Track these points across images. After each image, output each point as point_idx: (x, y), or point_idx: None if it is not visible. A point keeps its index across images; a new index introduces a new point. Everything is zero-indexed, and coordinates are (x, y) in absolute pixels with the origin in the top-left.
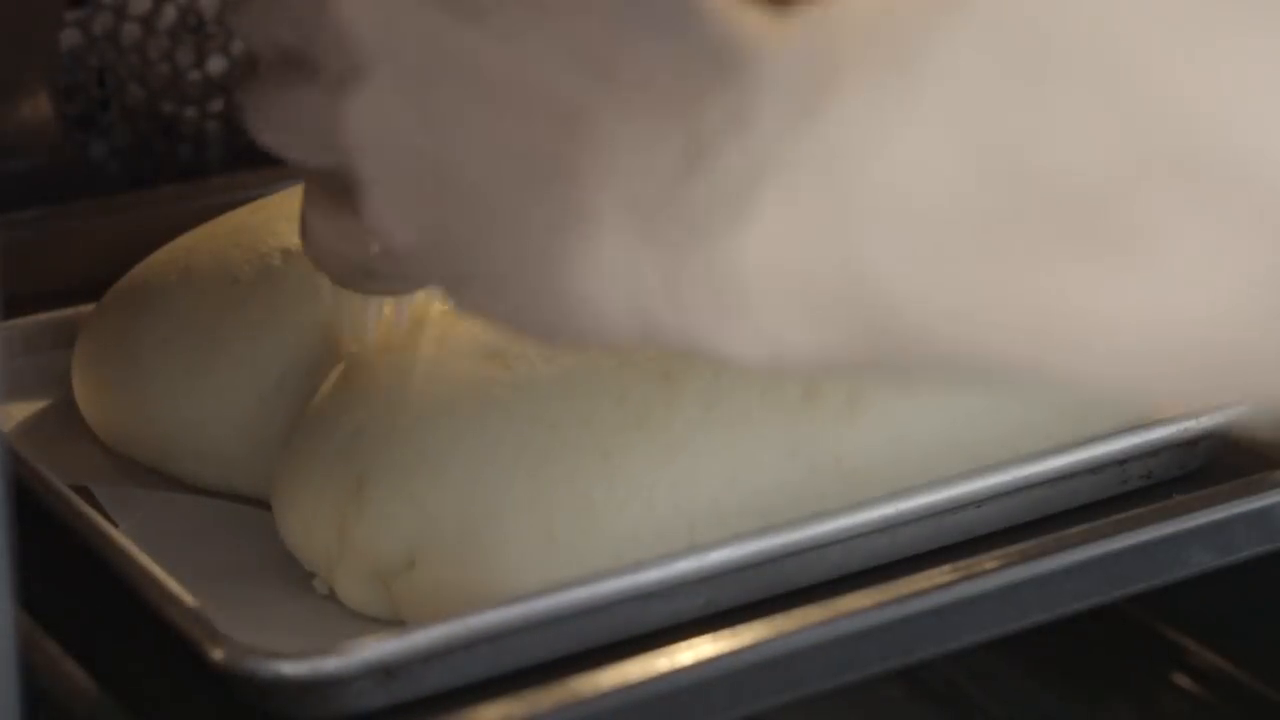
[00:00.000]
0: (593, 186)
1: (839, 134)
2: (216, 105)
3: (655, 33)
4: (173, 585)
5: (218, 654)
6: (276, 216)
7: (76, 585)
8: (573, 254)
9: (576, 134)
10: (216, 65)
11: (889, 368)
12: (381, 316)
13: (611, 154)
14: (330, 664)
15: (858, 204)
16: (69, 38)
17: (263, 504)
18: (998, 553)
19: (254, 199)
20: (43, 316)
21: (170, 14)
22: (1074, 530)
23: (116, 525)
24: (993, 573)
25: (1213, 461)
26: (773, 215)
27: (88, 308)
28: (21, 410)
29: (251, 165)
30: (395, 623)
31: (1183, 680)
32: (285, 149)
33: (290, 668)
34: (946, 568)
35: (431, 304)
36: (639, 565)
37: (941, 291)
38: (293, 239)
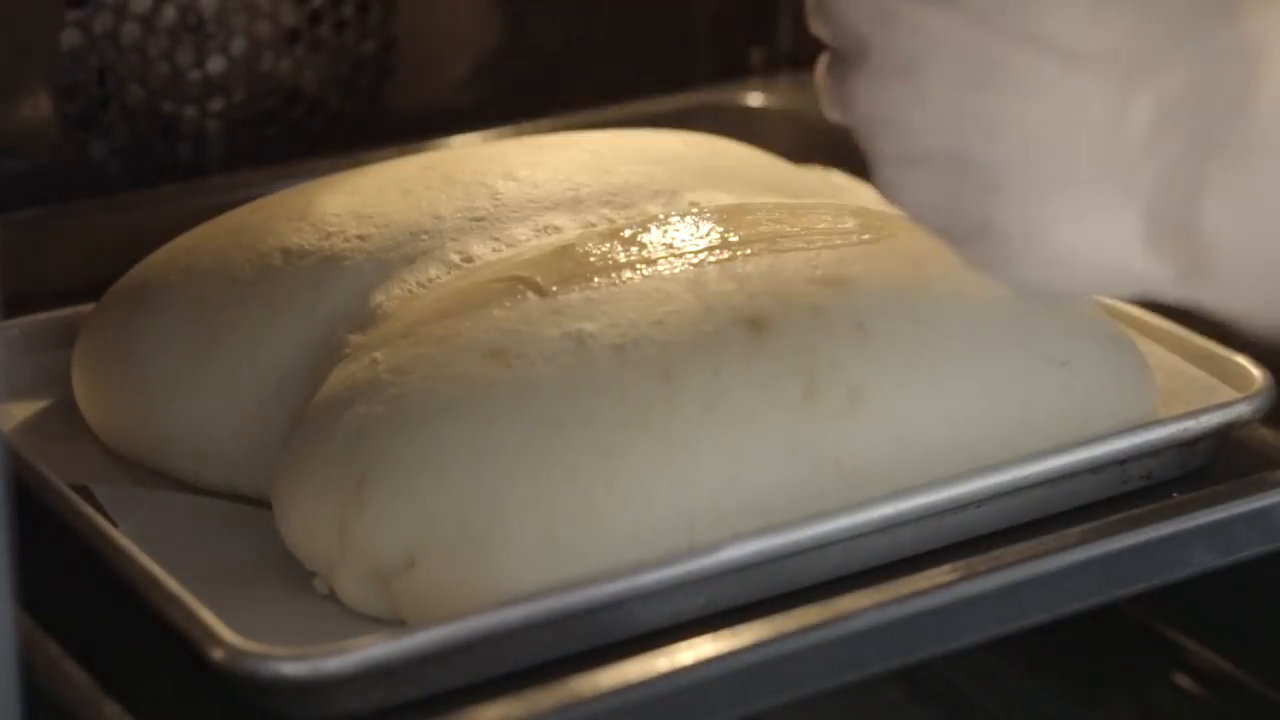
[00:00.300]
0: (1074, 152)
1: None
2: (216, 105)
3: (1120, 8)
4: (173, 585)
5: (218, 654)
6: (276, 216)
7: (76, 585)
8: (1061, 213)
9: (1055, 104)
10: (216, 65)
11: None
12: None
13: (1087, 122)
14: (331, 664)
15: None
16: (69, 38)
17: (263, 504)
18: (998, 553)
19: (254, 199)
20: (43, 316)
21: (170, 14)
22: (1074, 530)
23: (116, 525)
24: (993, 573)
25: (1213, 461)
26: (1226, 180)
27: (88, 308)
28: (22, 410)
29: (251, 165)
30: (395, 623)
31: (1183, 680)
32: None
33: (290, 668)
34: (946, 568)
35: (431, 305)
36: (639, 566)
37: None
38: (292, 238)
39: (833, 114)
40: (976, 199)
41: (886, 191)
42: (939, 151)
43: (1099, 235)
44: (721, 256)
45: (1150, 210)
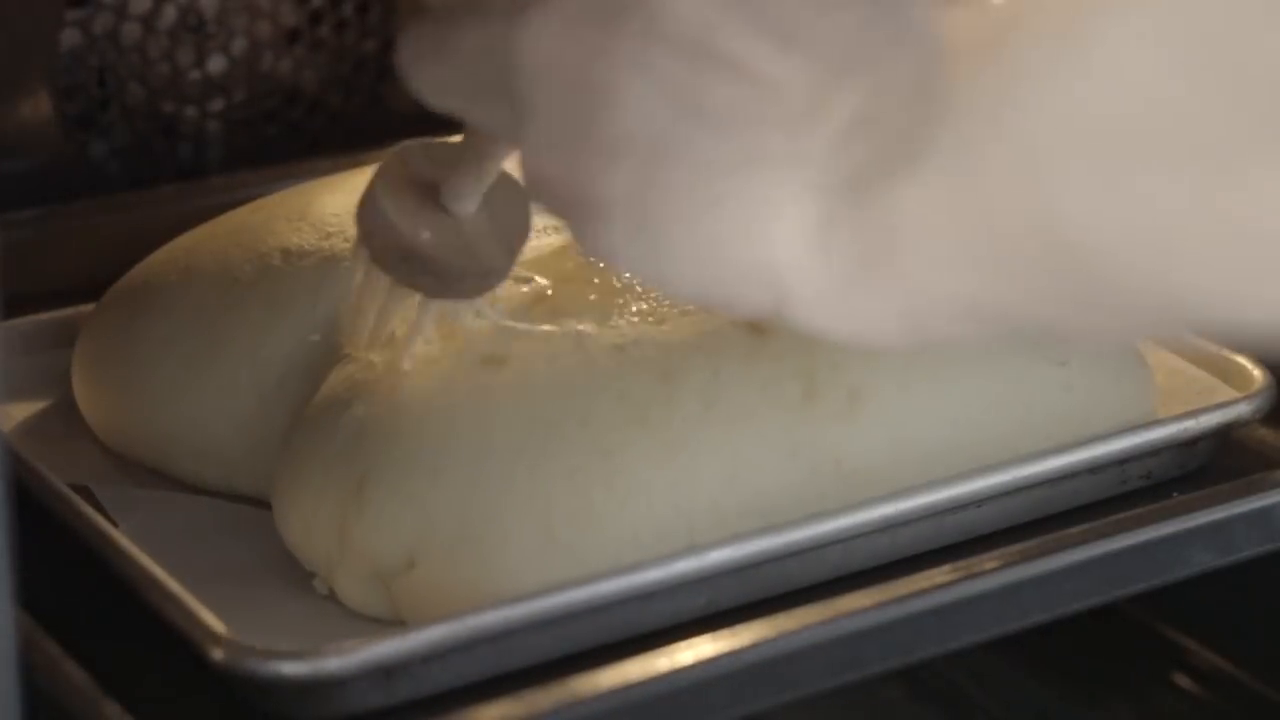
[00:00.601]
0: (755, 134)
1: (1019, 80)
2: (216, 105)
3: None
4: (173, 585)
5: (218, 654)
6: (276, 216)
7: (76, 585)
8: (722, 199)
9: (745, 83)
10: (216, 65)
11: (1066, 320)
12: (373, 325)
13: (778, 106)
14: (331, 664)
15: (1041, 145)
16: (69, 38)
17: (263, 504)
18: (998, 553)
19: (254, 199)
20: (43, 316)
21: (170, 14)
22: (1074, 530)
23: (116, 525)
24: (993, 573)
25: (1213, 461)
26: (944, 169)
27: (88, 308)
28: (22, 410)
29: (251, 165)
30: (395, 623)
31: (1183, 680)
32: (439, 90)
33: (290, 668)
34: (946, 568)
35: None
36: (639, 565)
37: (1133, 222)
38: (292, 238)
39: (428, 74)
40: (634, 167)
41: (529, 152)
42: (601, 115)
43: (755, 223)
44: None
45: (837, 199)
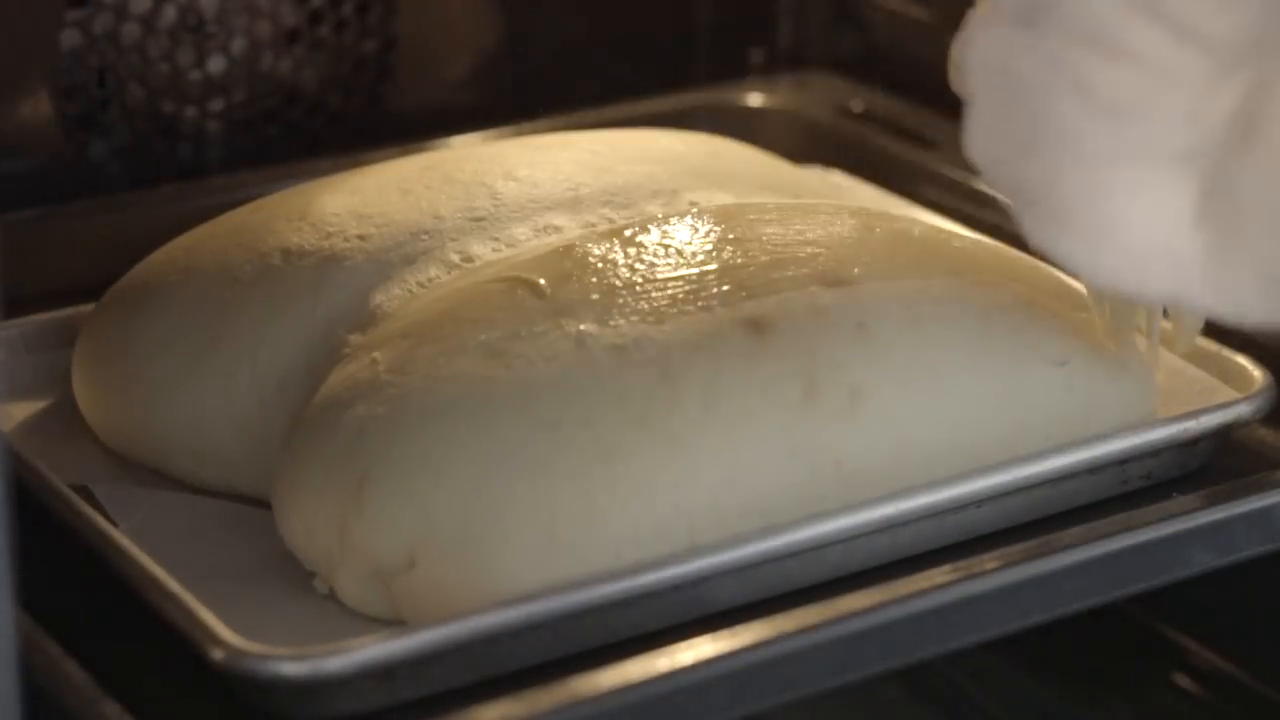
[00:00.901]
0: (1152, 124)
1: None
2: (216, 105)
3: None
4: (173, 585)
5: (218, 654)
6: (276, 216)
7: (76, 585)
8: (1123, 186)
9: (1147, 75)
10: (216, 65)
11: None
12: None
13: (1175, 96)
14: (331, 664)
15: None
16: (69, 38)
17: (263, 504)
18: (998, 553)
19: (254, 199)
20: (43, 316)
21: (170, 14)
22: (1074, 530)
23: (116, 525)
24: (993, 573)
25: (1213, 462)
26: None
27: (88, 308)
28: (22, 410)
29: (251, 165)
30: (395, 623)
31: (1183, 680)
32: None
33: (290, 668)
34: (946, 568)
35: (431, 305)
36: (639, 566)
37: None
38: (292, 238)
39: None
40: (1050, 158)
41: (968, 141)
42: (1030, 104)
43: (1153, 209)
44: (721, 257)
45: (1207, 184)
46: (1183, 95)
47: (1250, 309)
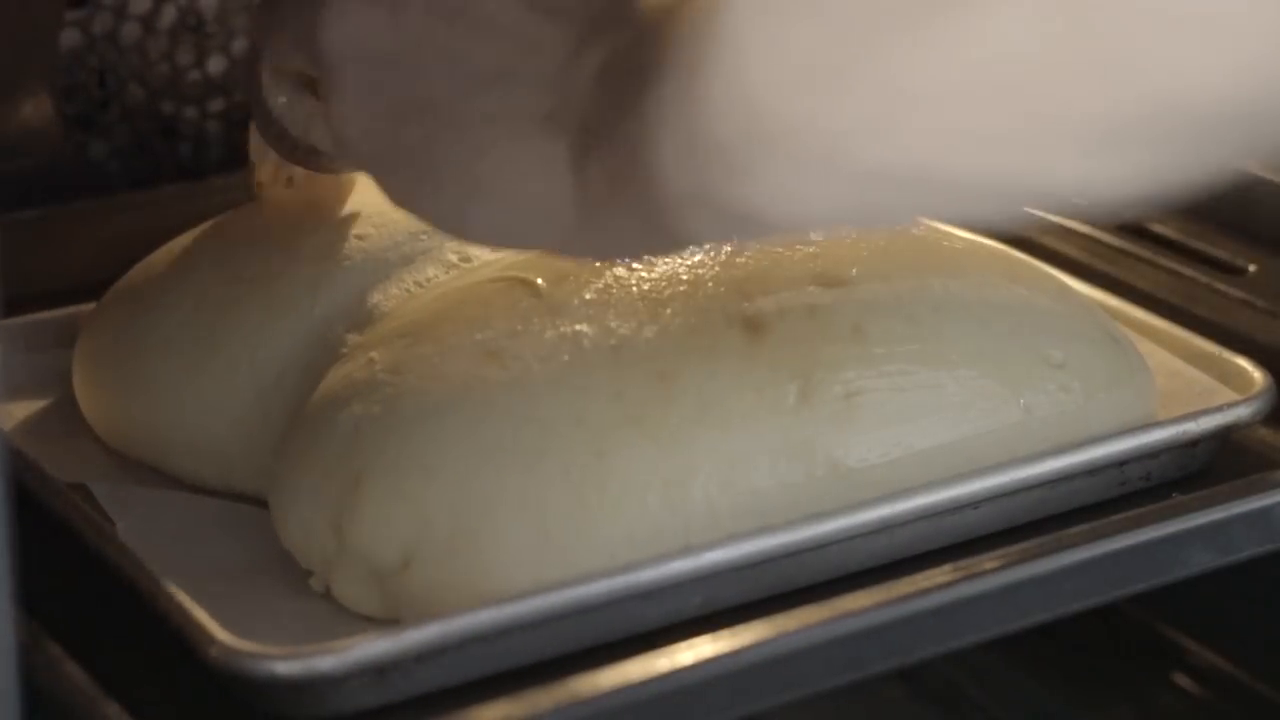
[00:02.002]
0: (516, 88)
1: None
2: (216, 105)
3: None
4: (168, 584)
5: (213, 653)
6: (276, 217)
7: (76, 585)
8: (499, 148)
9: (509, 44)
10: (216, 65)
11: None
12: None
13: (537, 61)
14: (325, 663)
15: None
16: (69, 38)
17: (260, 502)
18: (998, 553)
19: (253, 199)
20: (43, 316)
21: (170, 14)
22: (1074, 530)
23: (114, 524)
24: (993, 573)
25: (1212, 463)
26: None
27: (88, 307)
28: (22, 409)
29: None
30: (391, 621)
31: (1183, 680)
32: (273, 53)
33: (285, 667)
34: (946, 568)
35: (428, 305)
36: (633, 565)
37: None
38: (293, 238)
39: (264, 39)
40: (425, 125)
41: (332, 119)
42: (400, 77)
43: (527, 166)
44: (718, 258)
45: (585, 133)
46: (546, 60)
47: (629, 250)
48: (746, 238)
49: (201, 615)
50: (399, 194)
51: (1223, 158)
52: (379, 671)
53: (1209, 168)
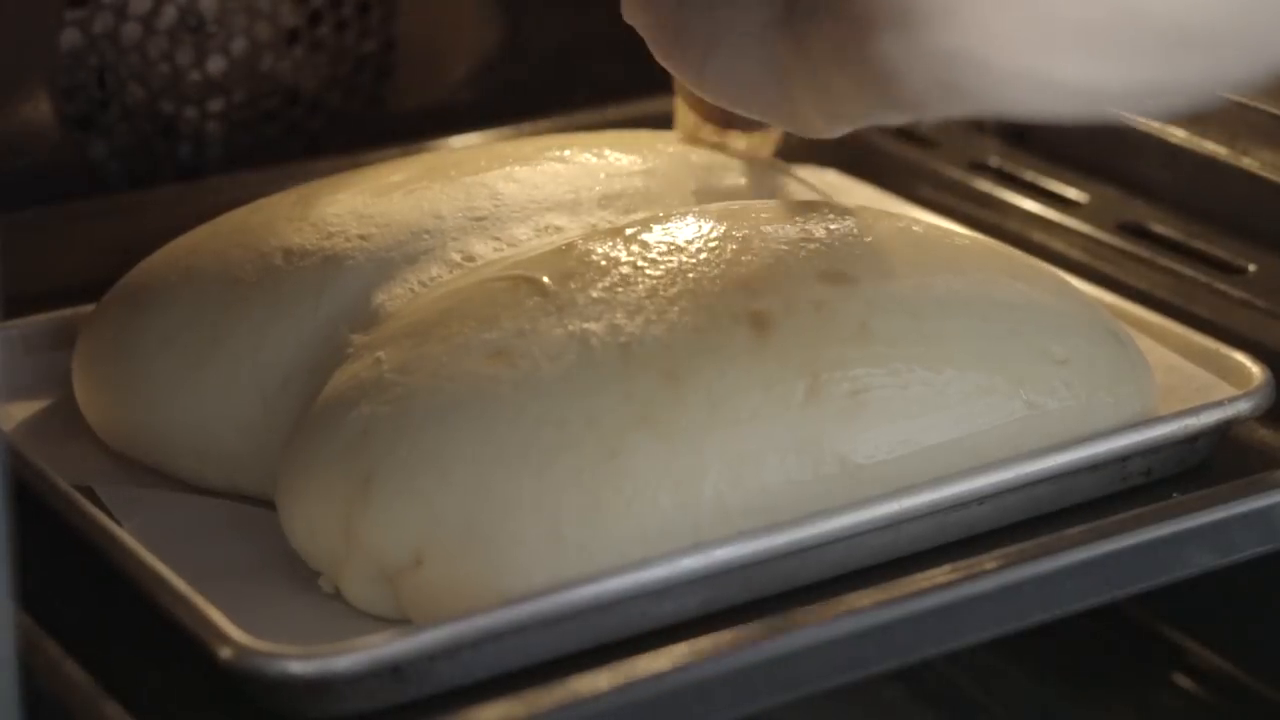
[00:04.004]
0: None
1: None
2: (216, 105)
3: None
4: (180, 585)
5: (226, 653)
6: (277, 216)
7: (77, 585)
8: (730, 12)
9: None
10: (216, 65)
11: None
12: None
13: None
14: (340, 662)
15: None
16: (69, 38)
17: (266, 503)
18: (998, 552)
19: (254, 199)
20: (43, 317)
21: (170, 14)
22: (1074, 530)
23: (120, 525)
24: (993, 573)
25: (1212, 458)
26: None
27: (88, 308)
28: (22, 410)
29: (251, 165)
30: (401, 622)
31: (1183, 680)
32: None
33: (299, 666)
34: (947, 567)
35: (434, 304)
36: (645, 563)
37: None
38: (294, 238)
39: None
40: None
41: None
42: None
43: (749, 25)
44: (724, 256)
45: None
46: None
47: (849, 115)
48: (958, 102)
49: (215, 615)
50: (662, 53)
51: (1217, 76)
52: (393, 671)
53: (1207, 84)
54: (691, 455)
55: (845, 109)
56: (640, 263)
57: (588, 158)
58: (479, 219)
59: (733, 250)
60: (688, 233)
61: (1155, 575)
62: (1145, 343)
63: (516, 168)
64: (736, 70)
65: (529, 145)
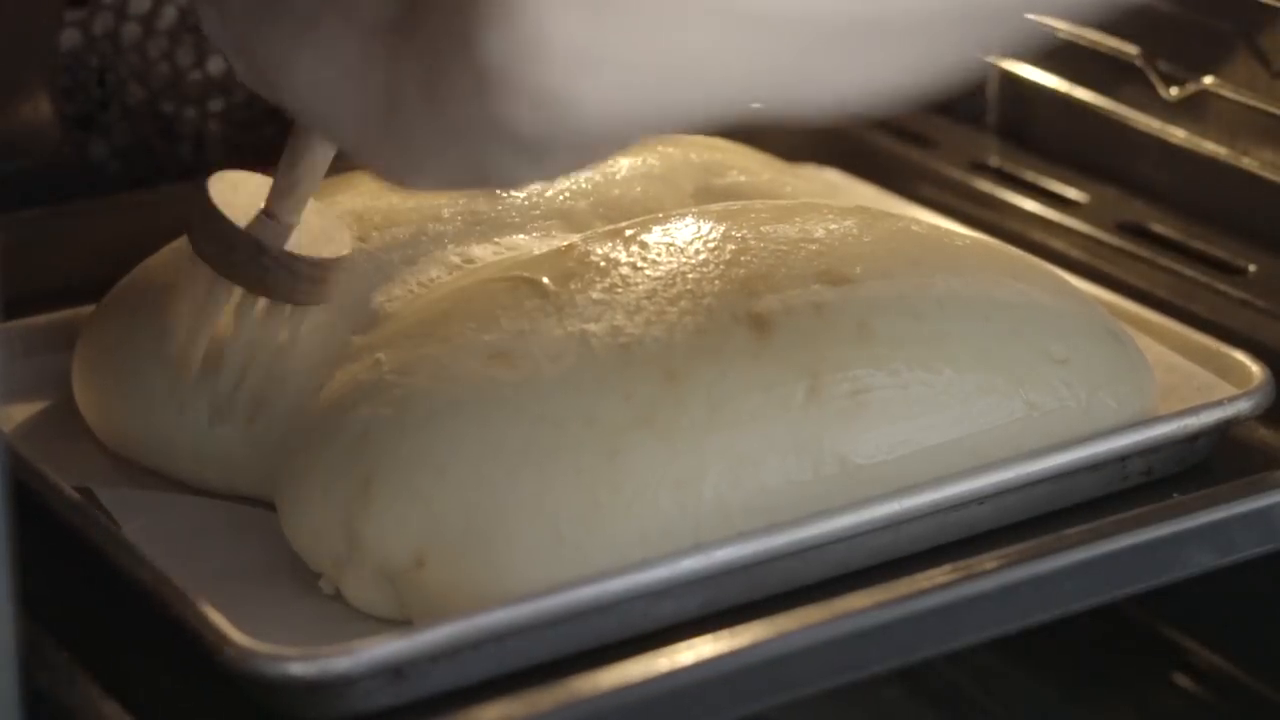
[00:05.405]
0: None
1: None
2: (216, 105)
3: None
4: (181, 586)
5: (227, 654)
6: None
7: (77, 585)
8: (321, 44)
9: None
10: (216, 65)
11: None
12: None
13: None
14: (340, 664)
15: None
16: (69, 38)
17: (265, 505)
18: (998, 553)
19: None
20: (42, 318)
21: (170, 14)
22: (1074, 530)
23: (119, 527)
24: (993, 573)
25: (1212, 458)
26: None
27: (88, 308)
28: (22, 411)
29: (251, 165)
30: (402, 622)
31: (1183, 680)
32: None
33: (299, 667)
34: (947, 567)
35: (434, 305)
36: (645, 564)
37: None
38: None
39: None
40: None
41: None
42: None
43: (333, 62)
44: (724, 256)
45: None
46: None
47: (430, 173)
48: (550, 168)
49: (215, 617)
50: (242, 76)
51: (968, 51)
52: (394, 672)
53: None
54: (691, 455)
55: (426, 167)
56: (640, 264)
57: None
58: (478, 221)
59: (732, 251)
60: (687, 233)
61: (1155, 575)
62: (1145, 342)
63: None
64: (322, 89)
65: None
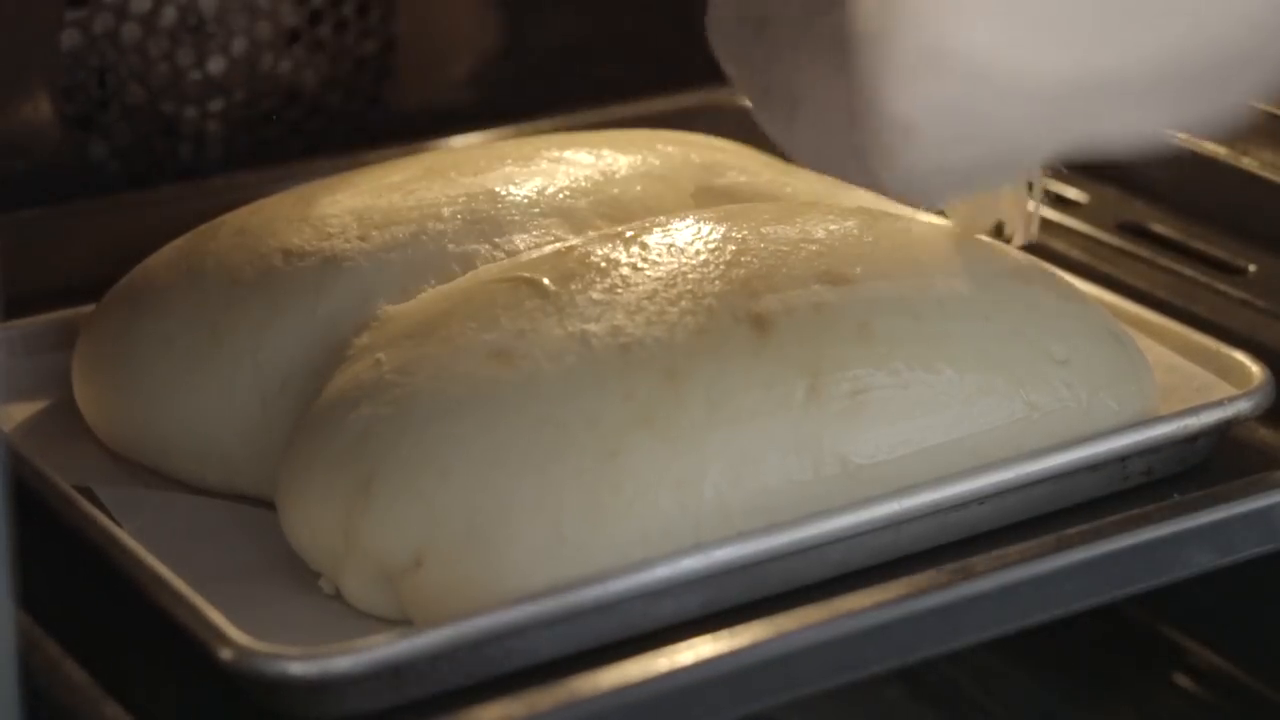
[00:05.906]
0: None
1: None
2: (216, 105)
3: None
4: (181, 586)
5: (227, 654)
6: (277, 217)
7: (76, 585)
8: (815, 69)
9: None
10: (216, 65)
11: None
12: None
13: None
14: (340, 663)
15: None
16: (69, 38)
17: (265, 504)
18: (998, 553)
19: (254, 199)
20: (43, 317)
21: (170, 14)
22: (1074, 530)
23: (120, 526)
24: (993, 573)
25: (1212, 458)
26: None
27: (88, 308)
28: (22, 411)
29: (251, 165)
30: (402, 622)
31: (1183, 680)
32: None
33: (299, 667)
34: (947, 567)
35: (435, 305)
36: (646, 564)
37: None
38: (293, 239)
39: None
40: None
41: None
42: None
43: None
44: (724, 257)
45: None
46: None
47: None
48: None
49: (215, 616)
50: (755, 108)
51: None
52: (394, 672)
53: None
54: (692, 455)
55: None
56: (640, 264)
57: (587, 158)
58: (478, 220)
59: (733, 251)
60: (688, 234)
61: (1155, 575)
62: (1145, 342)
63: (516, 168)
64: (818, 131)
65: (529, 145)
